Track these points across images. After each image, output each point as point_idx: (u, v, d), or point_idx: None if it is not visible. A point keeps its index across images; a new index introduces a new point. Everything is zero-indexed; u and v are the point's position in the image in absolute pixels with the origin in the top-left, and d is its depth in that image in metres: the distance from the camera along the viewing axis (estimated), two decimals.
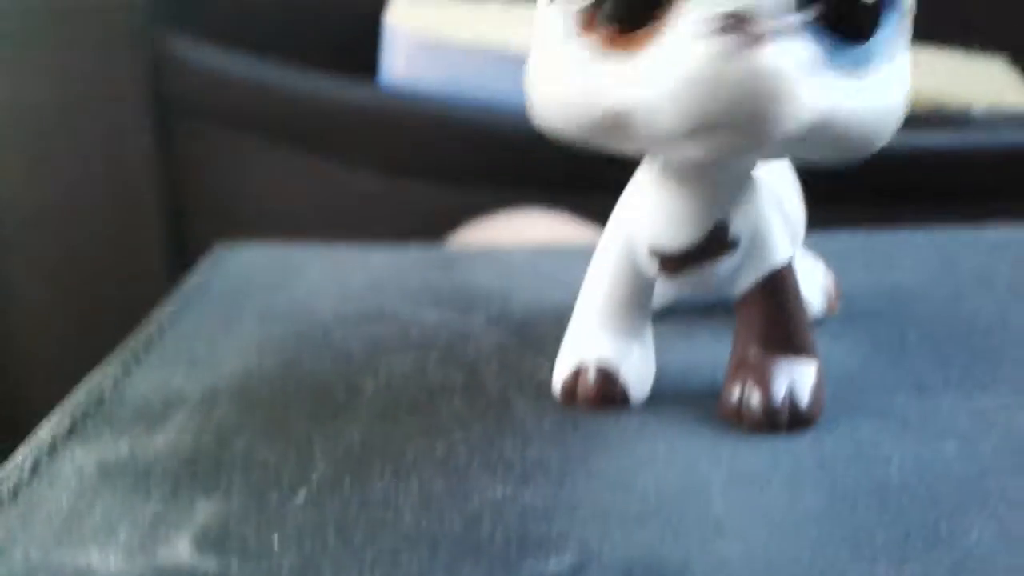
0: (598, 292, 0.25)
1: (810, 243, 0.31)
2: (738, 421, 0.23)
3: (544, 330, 0.29)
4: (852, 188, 0.53)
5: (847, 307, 0.30)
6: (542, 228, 0.51)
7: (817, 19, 0.19)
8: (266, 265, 0.36)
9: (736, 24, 0.18)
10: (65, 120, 0.65)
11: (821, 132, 0.19)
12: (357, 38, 0.66)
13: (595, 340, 0.24)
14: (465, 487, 0.20)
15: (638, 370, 0.24)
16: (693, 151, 0.19)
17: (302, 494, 0.20)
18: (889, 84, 0.20)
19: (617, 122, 0.19)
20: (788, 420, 0.23)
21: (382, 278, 0.35)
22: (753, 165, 0.23)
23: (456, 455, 0.22)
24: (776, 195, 0.24)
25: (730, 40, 0.18)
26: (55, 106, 0.65)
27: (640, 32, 0.19)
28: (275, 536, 0.19)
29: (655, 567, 0.18)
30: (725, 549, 0.18)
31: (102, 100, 0.65)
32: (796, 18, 0.18)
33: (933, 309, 0.30)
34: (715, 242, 0.23)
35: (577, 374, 0.24)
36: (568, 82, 0.20)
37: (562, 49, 0.20)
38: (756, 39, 0.18)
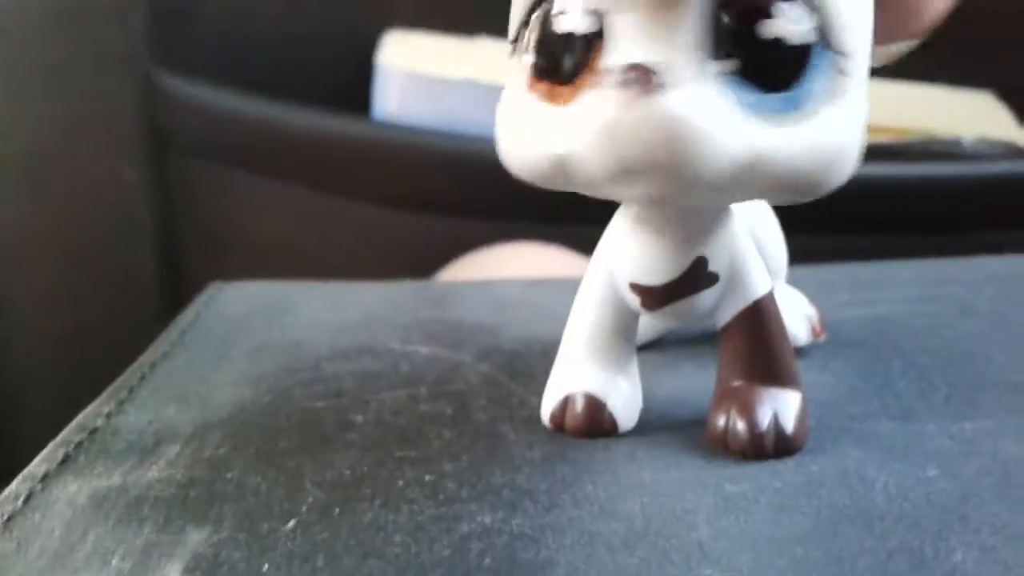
0: (583, 326, 0.25)
1: (797, 275, 0.32)
2: (724, 448, 0.23)
3: (533, 363, 0.30)
4: (843, 218, 0.53)
5: (833, 336, 0.30)
6: (534, 260, 0.52)
7: (735, 71, 0.19)
8: (260, 301, 0.36)
9: (639, 74, 0.19)
10: (60, 152, 0.66)
11: (754, 176, 0.19)
12: (349, 78, 0.67)
13: (582, 372, 0.25)
14: (454, 514, 0.21)
15: (625, 400, 0.25)
16: (626, 195, 0.20)
17: (292, 523, 0.20)
18: (829, 128, 0.20)
19: (557, 169, 0.20)
20: (774, 446, 0.23)
21: (374, 313, 0.35)
22: (727, 205, 0.23)
23: (445, 484, 0.22)
24: (751, 229, 0.25)
25: (633, 89, 0.19)
26: (50, 137, 0.65)
27: (573, 85, 0.20)
28: (265, 564, 0.19)
29: None
30: (709, 574, 0.18)
31: (97, 133, 0.66)
32: (708, 69, 0.19)
33: (917, 338, 0.31)
34: (695, 277, 0.23)
35: (565, 404, 0.25)
36: (520, 131, 0.21)
37: (518, 100, 0.21)
38: (657, 88, 0.18)
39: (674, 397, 0.27)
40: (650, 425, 0.25)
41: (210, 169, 0.67)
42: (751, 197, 0.21)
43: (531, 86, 0.21)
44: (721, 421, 0.23)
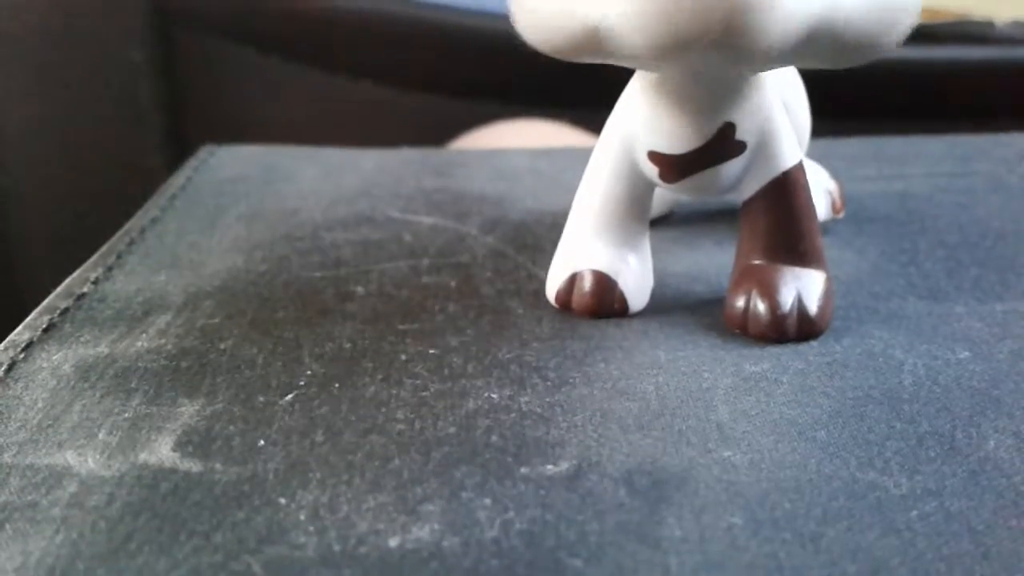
0: (594, 198, 0.23)
1: (820, 148, 0.30)
2: (743, 330, 0.22)
3: (541, 235, 0.28)
4: (870, 102, 0.51)
5: (857, 212, 0.29)
6: (541, 136, 0.50)
7: None
8: (253, 166, 0.35)
9: None
10: (63, 28, 0.63)
11: (818, 39, 0.18)
12: None
13: (590, 248, 0.23)
14: (460, 390, 0.20)
15: (637, 278, 0.23)
16: (674, 68, 0.18)
17: (290, 396, 0.19)
18: None
19: (592, 40, 0.18)
20: (796, 329, 0.22)
21: (374, 181, 0.33)
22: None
23: (450, 359, 0.21)
24: (782, 96, 0.23)
25: None
26: (53, 14, 0.63)
27: None
28: (261, 439, 0.18)
29: (656, 474, 0.17)
30: (729, 456, 0.17)
31: (100, 13, 0.63)
32: None
33: (945, 215, 0.29)
34: (721, 146, 0.21)
35: (572, 282, 0.23)
36: (548, 1, 0.18)
37: None
38: None
39: (690, 274, 0.26)
40: (664, 303, 0.24)
41: (216, 48, 0.65)
42: (812, 63, 0.19)
43: None
44: (741, 301, 0.22)
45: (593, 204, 0.23)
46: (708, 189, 0.22)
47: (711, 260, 0.26)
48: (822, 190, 0.28)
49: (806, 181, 0.22)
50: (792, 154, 0.22)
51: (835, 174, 0.29)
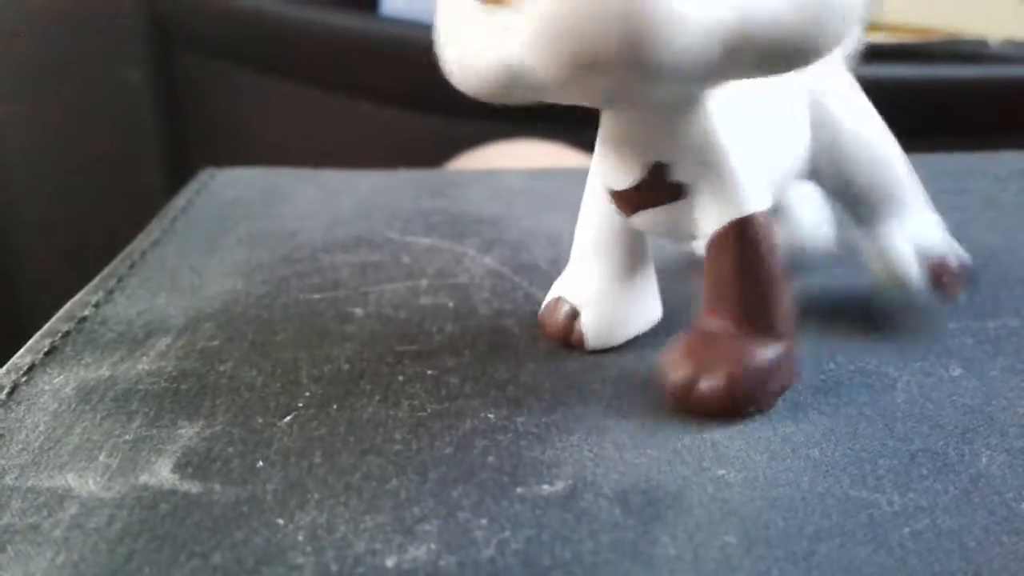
0: (582, 225, 0.23)
1: None
2: (664, 387, 0.20)
3: (539, 255, 0.28)
4: None
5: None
6: (539, 157, 0.50)
7: None
8: (253, 189, 0.35)
9: None
10: (63, 48, 0.64)
11: (739, 49, 0.16)
12: None
13: (575, 275, 0.23)
14: (457, 410, 0.20)
15: (610, 311, 0.23)
16: (585, 98, 0.17)
17: (288, 418, 0.20)
18: None
19: (507, 76, 0.17)
20: (713, 405, 0.19)
21: (372, 203, 0.34)
22: (697, 105, 0.19)
23: (447, 379, 0.21)
24: (753, 128, 0.21)
25: None
26: (52, 34, 0.63)
27: None
28: (259, 460, 0.18)
29: (651, 493, 0.17)
30: (723, 474, 0.18)
31: (99, 28, 0.64)
32: None
33: None
34: (656, 186, 0.20)
35: (551, 306, 0.23)
36: (463, 41, 0.18)
37: (457, 7, 0.18)
38: None
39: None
40: (668, 325, 0.24)
41: (215, 68, 0.65)
42: (736, 76, 0.17)
43: None
44: (669, 354, 0.20)
45: (581, 230, 0.23)
46: (671, 231, 0.21)
47: None
48: (910, 247, 0.24)
49: (762, 234, 0.20)
50: (745, 201, 0.20)
51: None
